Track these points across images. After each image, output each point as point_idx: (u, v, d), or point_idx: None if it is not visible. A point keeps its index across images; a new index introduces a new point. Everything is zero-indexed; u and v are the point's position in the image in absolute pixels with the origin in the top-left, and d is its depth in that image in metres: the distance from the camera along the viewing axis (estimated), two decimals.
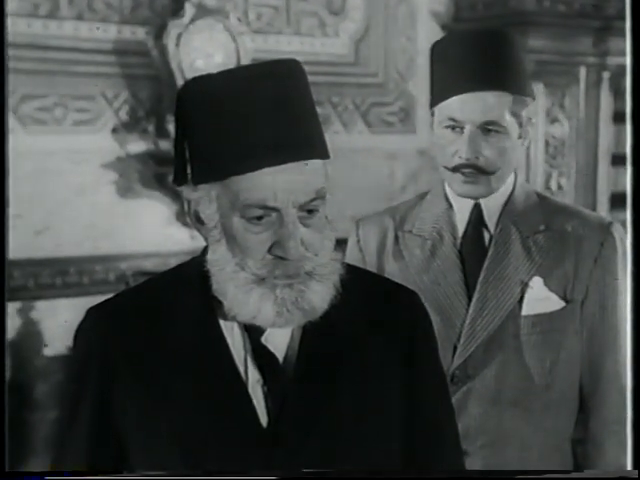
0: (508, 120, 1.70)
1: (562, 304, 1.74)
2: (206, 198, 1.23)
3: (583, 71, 4.73)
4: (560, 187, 4.75)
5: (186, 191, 1.25)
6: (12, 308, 3.86)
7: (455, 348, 1.73)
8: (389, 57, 4.81)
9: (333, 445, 1.28)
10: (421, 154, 4.86)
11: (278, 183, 1.18)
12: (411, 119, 4.86)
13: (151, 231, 4.20)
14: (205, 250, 1.28)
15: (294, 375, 1.28)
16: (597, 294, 1.76)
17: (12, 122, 3.83)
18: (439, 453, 1.39)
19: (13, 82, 3.75)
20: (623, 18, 4.77)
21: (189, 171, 1.25)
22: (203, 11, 4.11)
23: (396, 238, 1.82)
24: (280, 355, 1.28)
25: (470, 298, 1.73)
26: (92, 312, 1.34)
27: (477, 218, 1.77)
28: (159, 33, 4.07)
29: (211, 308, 1.27)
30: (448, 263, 1.76)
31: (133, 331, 1.29)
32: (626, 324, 1.77)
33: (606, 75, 4.75)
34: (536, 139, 4.64)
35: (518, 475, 1.70)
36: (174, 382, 1.26)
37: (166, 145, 4.09)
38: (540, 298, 1.73)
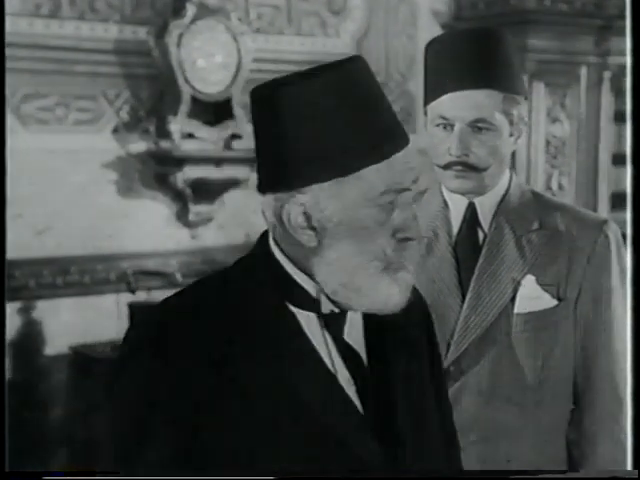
0: (498, 118, 1.70)
1: (554, 302, 1.74)
2: (319, 199, 1.21)
3: (584, 71, 4.73)
4: (561, 187, 4.75)
5: (283, 197, 1.22)
6: (13, 308, 3.87)
7: (449, 345, 1.74)
8: (390, 57, 4.81)
9: (412, 445, 1.29)
10: (421, 153, 4.84)
11: (405, 166, 1.23)
12: (412, 119, 4.86)
13: (151, 231, 4.21)
14: (262, 249, 1.27)
15: (371, 373, 1.29)
16: (590, 292, 1.76)
17: (13, 122, 3.84)
18: (443, 451, 1.40)
19: (14, 82, 3.76)
20: (624, 17, 4.76)
21: (286, 175, 1.22)
22: (204, 11, 4.11)
23: None
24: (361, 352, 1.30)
25: (464, 296, 1.74)
26: (164, 307, 1.30)
27: (471, 217, 1.77)
28: (160, 33, 4.08)
29: (287, 307, 1.26)
30: (443, 261, 1.76)
31: (208, 328, 1.25)
32: (620, 322, 1.77)
33: (607, 75, 4.74)
34: (537, 139, 4.64)
35: (519, 475, 1.71)
36: (254, 379, 1.23)
37: (167, 145, 4.10)
38: (532, 296, 1.74)
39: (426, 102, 1.77)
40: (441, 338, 1.72)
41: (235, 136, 4.18)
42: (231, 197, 4.29)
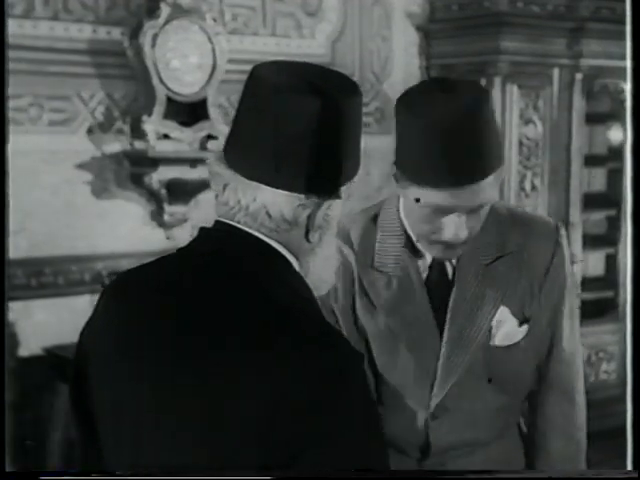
0: (494, 192, 1.58)
1: (526, 328, 1.73)
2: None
3: (556, 72, 4.77)
4: (534, 187, 4.79)
5: (315, 200, 1.24)
6: None
7: (432, 386, 1.71)
8: (365, 58, 4.83)
9: None
10: None
11: None
12: (387, 119, 4.88)
13: (126, 231, 4.20)
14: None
15: None
16: (547, 300, 1.75)
17: None
18: None
19: None
20: (596, 20, 4.82)
21: (338, 177, 1.25)
22: (179, 11, 4.11)
23: (358, 273, 1.72)
24: None
25: (441, 334, 1.70)
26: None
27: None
28: (135, 33, 4.06)
29: None
30: (418, 304, 1.70)
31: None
32: (571, 323, 1.79)
33: (579, 76, 4.79)
34: (510, 140, 4.67)
35: (521, 476, 1.73)
36: None
37: (142, 145, 4.09)
38: (508, 329, 1.72)
39: (403, 171, 1.58)
40: (425, 379, 1.71)
41: (210, 137, 4.18)
42: (206, 198, 4.28)
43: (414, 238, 1.69)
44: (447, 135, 1.50)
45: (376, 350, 1.73)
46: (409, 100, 1.57)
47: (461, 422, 1.74)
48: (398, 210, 1.72)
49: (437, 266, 1.71)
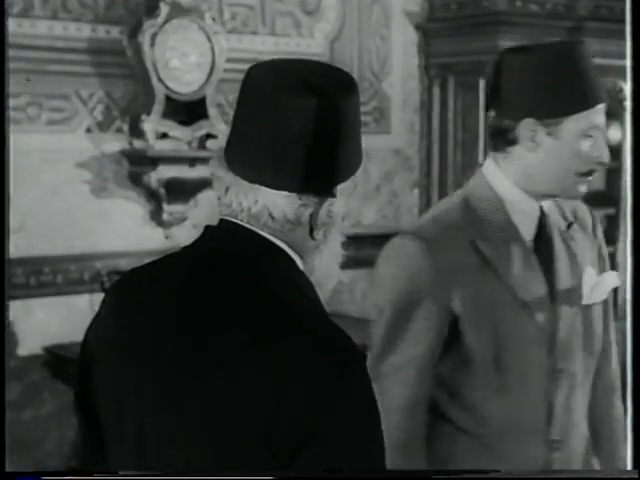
0: None
1: (617, 279, 1.94)
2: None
3: None
4: None
5: (316, 199, 1.24)
6: None
7: (551, 351, 1.79)
8: (363, 57, 4.84)
9: None
10: (396, 153, 4.88)
11: None
12: (386, 119, 4.88)
13: (125, 230, 4.20)
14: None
15: None
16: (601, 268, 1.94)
17: None
18: None
19: None
20: (594, 19, 4.81)
21: (337, 174, 1.25)
22: (178, 10, 4.11)
23: (480, 250, 1.78)
24: None
25: (552, 297, 1.80)
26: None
27: (544, 220, 1.83)
28: (134, 32, 4.06)
29: None
30: (532, 269, 1.80)
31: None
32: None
33: None
34: None
35: (520, 475, 1.75)
36: None
37: (141, 144, 4.09)
38: (600, 285, 1.89)
39: (566, 113, 1.75)
40: (546, 342, 1.79)
41: (209, 136, 4.18)
42: (205, 197, 4.29)
43: (551, 189, 1.81)
44: (583, 63, 1.76)
45: (502, 326, 1.77)
46: (542, 49, 1.82)
47: (571, 386, 1.82)
48: (489, 185, 1.82)
49: (544, 234, 1.83)
